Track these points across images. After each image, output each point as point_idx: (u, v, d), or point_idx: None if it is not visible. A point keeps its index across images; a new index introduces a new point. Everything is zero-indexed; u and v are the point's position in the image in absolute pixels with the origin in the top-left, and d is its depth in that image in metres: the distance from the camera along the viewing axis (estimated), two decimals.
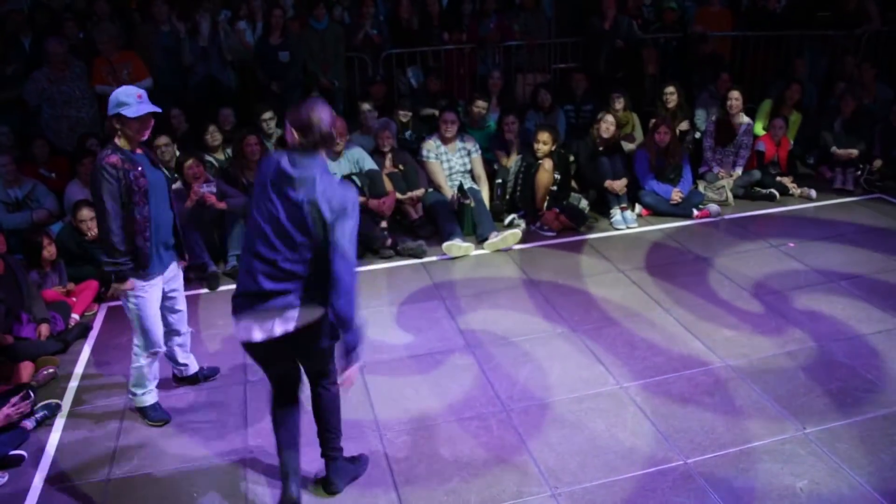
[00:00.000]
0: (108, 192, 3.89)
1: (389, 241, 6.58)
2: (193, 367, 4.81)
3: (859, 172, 7.76)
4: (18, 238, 5.87)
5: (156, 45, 7.86)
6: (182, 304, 4.55)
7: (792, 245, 6.45)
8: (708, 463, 3.87)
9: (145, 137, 4.04)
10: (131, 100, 3.88)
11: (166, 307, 4.40)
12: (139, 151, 4.04)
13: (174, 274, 4.40)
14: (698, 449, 3.97)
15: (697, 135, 8.15)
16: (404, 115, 7.92)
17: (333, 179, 3.24)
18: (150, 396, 4.45)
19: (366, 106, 7.72)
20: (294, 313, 3.26)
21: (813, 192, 7.58)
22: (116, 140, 3.98)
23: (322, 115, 3.15)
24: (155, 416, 4.45)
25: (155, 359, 4.39)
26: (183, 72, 7.95)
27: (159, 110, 4.01)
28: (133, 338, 4.30)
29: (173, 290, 4.42)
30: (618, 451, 3.99)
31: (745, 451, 3.94)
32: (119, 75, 7.44)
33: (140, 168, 3.95)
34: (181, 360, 4.72)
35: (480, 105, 7.83)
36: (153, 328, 4.26)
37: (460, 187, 7.10)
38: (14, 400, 4.32)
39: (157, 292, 4.23)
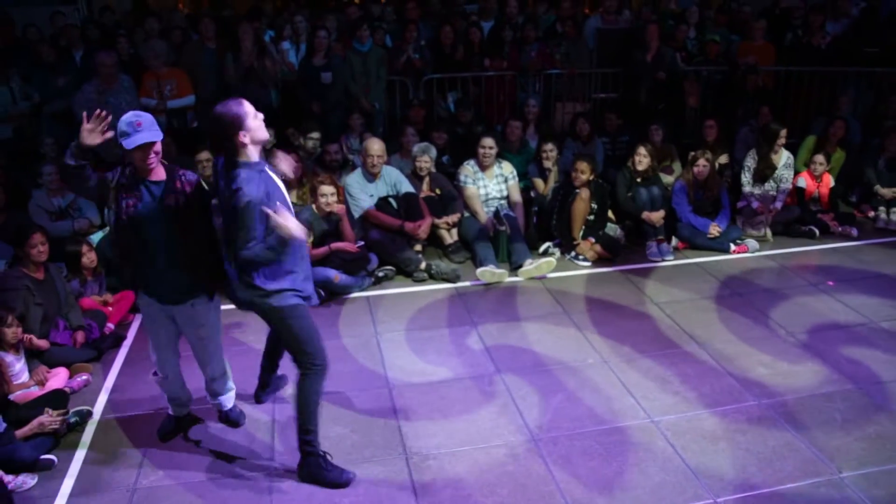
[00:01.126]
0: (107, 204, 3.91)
1: (423, 265, 6.59)
2: (226, 405, 4.55)
3: None
4: (60, 246, 5.97)
5: (200, 62, 8.01)
6: (204, 350, 4.23)
7: (831, 284, 6.34)
8: (738, 503, 3.79)
9: (152, 164, 3.81)
10: (130, 129, 3.72)
11: (193, 346, 4.21)
12: (153, 178, 3.84)
13: (190, 315, 4.03)
14: (728, 488, 3.89)
15: (737, 168, 8.08)
16: (440, 138, 7.97)
17: None
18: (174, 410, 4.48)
19: (410, 130, 7.78)
20: None
21: (855, 231, 7.45)
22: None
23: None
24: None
25: (163, 381, 4.30)
26: (226, 89, 8.08)
27: (158, 138, 3.75)
28: None
29: (191, 333, 4.13)
30: (646, 487, 3.92)
31: (778, 493, 3.85)
32: (162, 90, 7.60)
33: (132, 200, 3.79)
34: (213, 400, 4.51)
35: (514, 125, 7.86)
36: (153, 349, 4.21)
37: (496, 213, 7.10)
38: (51, 412, 4.38)
39: (155, 314, 4.04)
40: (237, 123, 3.58)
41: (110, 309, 5.79)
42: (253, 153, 3.65)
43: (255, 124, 3.65)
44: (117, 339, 5.59)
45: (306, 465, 4.02)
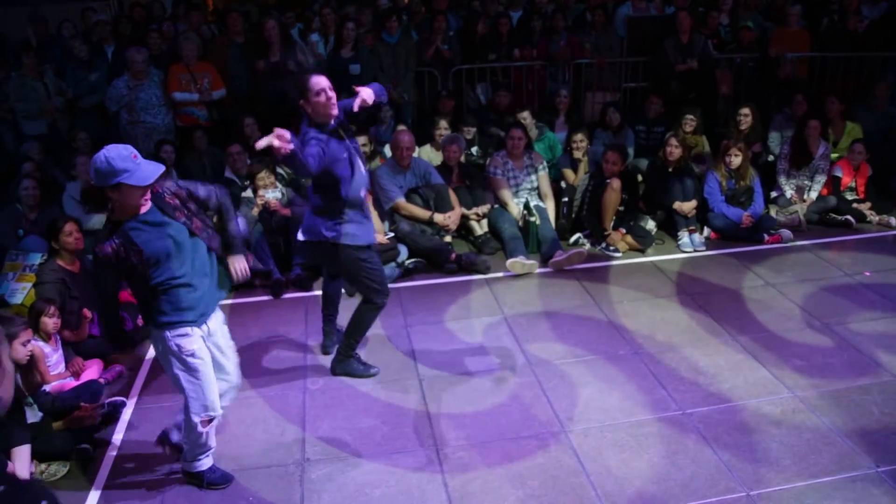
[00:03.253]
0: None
1: (453, 256, 6.58)
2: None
3: None
4: (94, 239, 6.03)
5: (230, 56, 8.06)
6: (232, 350, 4.02)
7: (868, 274, 6.22)
8: (772, 496, 3.74)
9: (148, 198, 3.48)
10: (129, 164, 3.29)
11: (219, 354, 3.92)
12: (144, 211, 3.47)
13: (219, 316, 3.87)
14: (762, 481, 3.84)
15: (770, 157, 7.95)
16: (468, 132, 7.95)
17: None
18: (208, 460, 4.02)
19: (443, 123, 7.76)
20: None
21: (893, 220, 7.30)
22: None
23: None
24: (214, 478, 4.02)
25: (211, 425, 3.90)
26: (256, 82, 8.12)
27: (163, 168, 3.43)
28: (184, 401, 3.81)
29: (221, 337, 3.90)
30: (678, 479, 3.89)
31: (813, 487, 3.79)
32: (200, 84, 7.67)
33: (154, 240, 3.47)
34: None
35: (521, 116, 7.82)
36: (207, 391, 3.76)
37: (526, 204, 7.06)
38: (87, 406, 4.45)
39: (203, 345, 3.73)
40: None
41: None
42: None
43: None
44: None
45: (341, 361, 4.95)
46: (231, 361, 3.96)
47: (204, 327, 3.70)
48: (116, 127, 7.77)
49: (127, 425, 4.58)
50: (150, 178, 3.33)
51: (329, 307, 5.26)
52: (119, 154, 3.28)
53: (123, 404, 4.74)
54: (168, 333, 3.59)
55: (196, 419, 3.74)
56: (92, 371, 5.02)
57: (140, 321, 5.63)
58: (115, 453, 4.32)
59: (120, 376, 5.12)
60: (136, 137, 7.59)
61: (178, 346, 3.61)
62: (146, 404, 4.80)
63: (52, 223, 5.40)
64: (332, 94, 4.27)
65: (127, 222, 3.44)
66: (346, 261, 4.56)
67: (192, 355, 3.64)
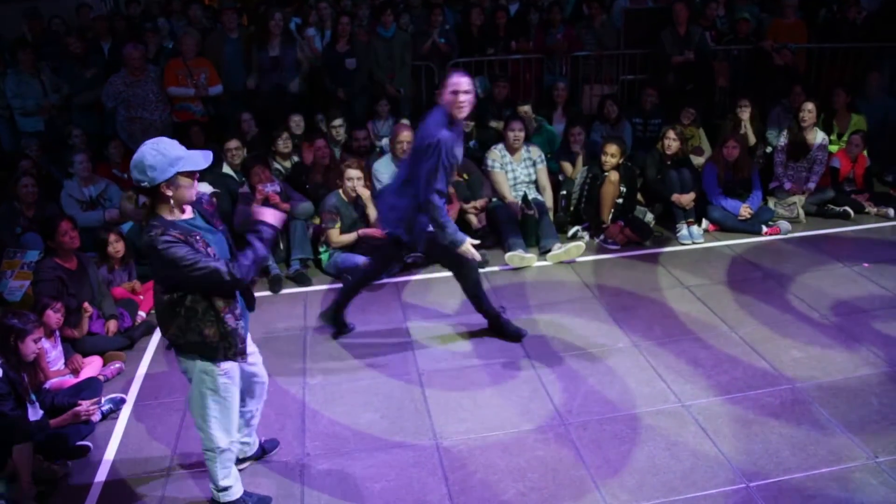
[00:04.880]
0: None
1: None
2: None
3: None
4: (91, 236, 6.03)
5: (225, 52, 8.05)
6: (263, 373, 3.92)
7: (867, 265, 6.22)
8: (771, 487, 3.74)
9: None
10: (179, 150, 3.15)
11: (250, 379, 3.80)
12: (187, 214, 3.31)
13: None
14: (761, 472, 3.85)
15: (768, 149, 7.95)
16: (466, 125, 7.92)
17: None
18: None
19: None
20: None
21: (891, 211, 7.30)
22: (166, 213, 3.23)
23: None
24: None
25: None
26: (253, 73, 8.11)
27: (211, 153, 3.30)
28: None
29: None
30: (677, 471, 3.89)
31: (812, 477, 3.80)
32: (196, 79, 7.65)
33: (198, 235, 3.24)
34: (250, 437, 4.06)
35: (523, 109, 7.82)
36: (231, 423, 3.59)
37: (524, 197, 7.05)
38: (86, 403, 4.45)
39: (236, 373, 3.55)
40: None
41: (141, 297, 5.85)
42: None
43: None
44: (149, 328, 5.65)
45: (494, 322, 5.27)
46: (258, 360, 3.83)
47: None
48: (113, 124, 7.75)
49: (126, 422, 4.58)
50: (207, 161, 3.18)
51: (479, 300, 5.27)
52: (166, 145, 3.12)
53: (123, 401, 4.74)
54: (205, 363, 3.39)
55: (222, 444, 3.54)
56: (91, 368, 5.02)
57: (138, 318, 5.65)
58: (115, 450, 4.31)
59: (119, 373, 5.11)
60: (134, 134, 7.57)
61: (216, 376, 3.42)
62: (146, 400, 4.80)
63: (48, 221, 5.39)
64: (465, 99, 4.59)
65: (174, 223, 3.17)
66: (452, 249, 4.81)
67: (229, 379, 3.47)
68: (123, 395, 4.80)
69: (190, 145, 3.74)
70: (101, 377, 4.93)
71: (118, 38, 8.50)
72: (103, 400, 4.65)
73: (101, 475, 4.10)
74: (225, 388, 3.45)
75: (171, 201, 3.17)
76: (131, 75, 7.50)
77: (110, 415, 4.62)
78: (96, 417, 4.51)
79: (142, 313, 5.71)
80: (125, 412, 4.67)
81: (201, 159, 3.18)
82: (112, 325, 5.41)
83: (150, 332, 5.62)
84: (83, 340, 5.21)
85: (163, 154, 3.08)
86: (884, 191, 7.80)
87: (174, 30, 8.70)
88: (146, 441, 4.36)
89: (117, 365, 5.15)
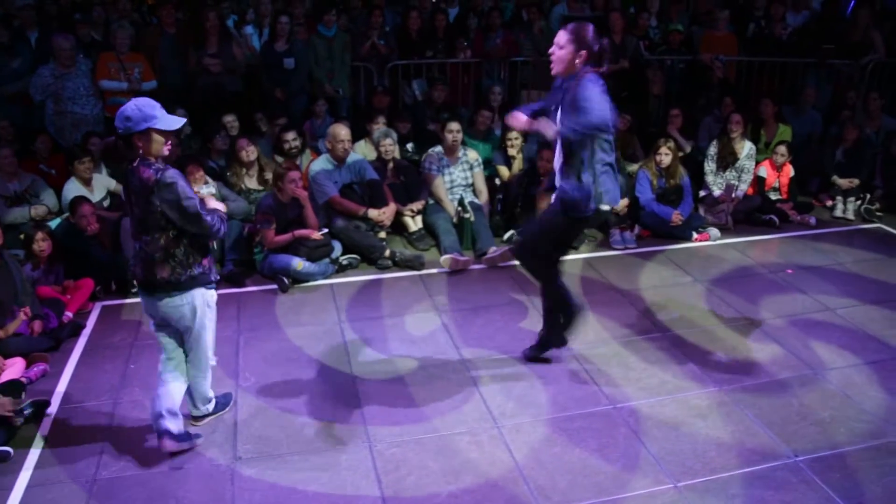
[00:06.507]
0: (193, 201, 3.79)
1: (388, 252, 6.56)
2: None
3: (859, 202, 7.78)
4: (16, 233, 5.84)
5: (162, 47, 7.88)
6: None
7: (790, 272, 6.44)
8: (698, 487, 3.84)
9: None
10: (155, 110, 3.70)
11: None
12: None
13: None
14: (689, 473, 3.95)
15: (700, 157, 8.15)
16: (403, 127, 7.94)
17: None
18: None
19: (381, 119, 7.73)
20: None
21: (813, 220, 7.58)
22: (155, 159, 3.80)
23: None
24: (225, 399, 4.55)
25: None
26: (188, 74, 7.96)
27: (184, 120, 3.93)
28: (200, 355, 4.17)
29: None
30: (608, 473, 3.96)
31: (736, 477, 3.91)
32: (130, 74, 7.47)
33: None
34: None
35: (485, 115, 7.87)
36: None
37: (461, 201, 7.09)
38: (2, 400, 4.30)
39: None
40: None
41: (68, 298, 5.69)
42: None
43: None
44: (76, 328, 5.49)
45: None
46: None
47: None
48: (41, 117, 7.51)
49: (50, 427, 4.43)
50: (176, 125, 3.75)
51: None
52: (147, 103, 3.70)
53: (48, 404, 4.59)
54: (206, 290, 4.02)
55: (213, 361, 4.26)
56: (13, 370, 4.83)
57: (65, 318, 5.49)
58: (37, 456, 4.17)
59: (44, 375, 4.95)
60: (64, 128, 7.36)
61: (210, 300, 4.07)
62: (71, 404, 4.66)
63: None
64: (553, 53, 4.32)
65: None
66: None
67: (211, 307, 4.11)
68: (48, 399, 4.65)
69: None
70: (23, 379, 4.76)
71: (46, 28, 8.24)
72: (26, 403, 4.49)
73: (22, 482, 3.95)
74: (213, 310, 4.13)
75: (141, 151, 3.72)
76: (61, 67, 7.28)
77: (33, 418, 4.46)
78: (18, 421, 4.35)
79: (68, 313, 5.54)
80: (49, 415, 4.52)
81: (174, 122, 3.75)
82: (37, 325, 5.24)
83: (76, 334, 5.46)
84: (6, 341, 5.03)
85: (140, 110, 3.65)
86: (807, 200, 8.09)
87: (109, 21, 8.46)
88: (71, 446, 4.23)
89: (41, 367, 4.97)
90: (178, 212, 3.74)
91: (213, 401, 4.42)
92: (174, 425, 4.04)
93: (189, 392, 4.23)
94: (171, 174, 3.72)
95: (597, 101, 4.11)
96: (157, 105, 3.73)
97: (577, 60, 4.20)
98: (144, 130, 3.67)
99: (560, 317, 4.87)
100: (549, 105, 4.45)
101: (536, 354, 5.02)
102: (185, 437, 4.14)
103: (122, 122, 3.66)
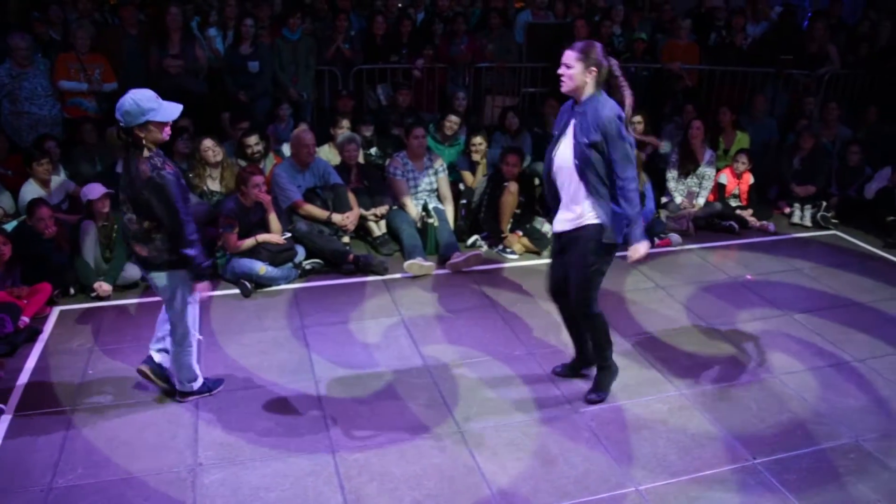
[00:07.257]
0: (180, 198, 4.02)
1: (351, 257, 6.54)
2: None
3: (815, 209, 7.94)
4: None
5: (123, 48, 7.77)
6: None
7: (750, 278, 6.55)
8: (659, 490, 3.88)
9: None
10: (154, 103, 3.89)
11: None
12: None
13: None
14: (650, 476, 3.99)
15: (661, 164, 8.25)
16: (367, 130, 7.93)
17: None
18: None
19: (345, 122, 7.70)
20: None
21: (772, 226, 7.72)
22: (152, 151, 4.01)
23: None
24: (215, 385, 4.73)
25: None
26: (150, 76, 7.86)
27: (181, 107, 4.02)
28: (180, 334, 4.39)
29: None
30: (570, 476, 3.99)
31: (696, 480, 3.96)
32: (90, 74, 7.37)
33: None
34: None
35: (453, 120, 7.86)
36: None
37: (425, 206, 7.10)
38: None
39: None
40: None
41: (25, 302, 5.57)
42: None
43: None
44: (32, 334, 5.38)
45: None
46: None
47: None
48: None
49: (4, 435, 4.33)
50: (173, 114, 3.93)
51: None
52: (144, 96, 3.86)
53: (1, 412, 4.49)
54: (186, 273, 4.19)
55: (196, 337, 4.46)
56: None
57: (21, 323, 5.37)
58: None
59: None
60: (20, 129, 7.22)
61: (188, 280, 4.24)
62: (27, 411, 4.56)
63: None
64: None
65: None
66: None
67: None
68: (2, 406, 4.55)
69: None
70: None
71: (2, 27, 8.07)
72: None
73: None
74: (191, 289, 4.30)
75: (144, 142, 3.92)
76: (17, 67, 7.14)
77: None
78: None
79: (25, 318, 5.43)
80: (3, 424, 4.42)
81: (171, 111, 3.92)
82: None
83: (32, 339, 5.35)
84: None
85: (137, 105, 3.83)
86: (766, 207, 8.23)
87: (68, 21, 8.32)
88: (26, 454, 4.14)
89: None
90: (164, 210, 3.98)
91: (200, 379, 4.61)
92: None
93: (173, 366, 4.52)
94: (166, 175, 3.93)
95: (627, 142, 4.18)
96: (154, 96, 3.89)
97: (587, 78, 4.14)
98: (143, 123, 3.87)
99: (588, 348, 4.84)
100: (555, 129, 4.40)
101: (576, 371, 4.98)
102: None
103: (122, 116, 3.85)
